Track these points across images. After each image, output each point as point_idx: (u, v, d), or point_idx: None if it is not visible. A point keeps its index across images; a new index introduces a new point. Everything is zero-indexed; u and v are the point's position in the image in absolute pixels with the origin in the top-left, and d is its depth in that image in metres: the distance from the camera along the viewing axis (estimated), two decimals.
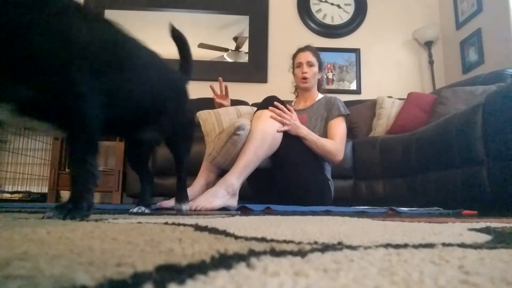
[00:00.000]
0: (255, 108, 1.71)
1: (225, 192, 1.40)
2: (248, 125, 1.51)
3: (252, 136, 1.48)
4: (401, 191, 2.00)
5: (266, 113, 1.55)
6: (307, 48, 1.89)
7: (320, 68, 1.89)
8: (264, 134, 1.50)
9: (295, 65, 1.88)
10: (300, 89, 1.91)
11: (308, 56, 1.83)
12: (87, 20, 0.74)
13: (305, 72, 1.82)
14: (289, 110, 1.60)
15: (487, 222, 0.73)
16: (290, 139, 1.57)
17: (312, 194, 1.66)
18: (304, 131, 1.63)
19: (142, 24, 3.31)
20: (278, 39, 3.39)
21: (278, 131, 1.53)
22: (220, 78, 1.84)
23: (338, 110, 1.78)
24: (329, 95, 1.93)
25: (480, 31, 2.89)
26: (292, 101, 2.00)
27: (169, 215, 0.92)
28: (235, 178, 1.44)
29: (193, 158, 2.18)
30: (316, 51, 1.91)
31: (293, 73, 1.93)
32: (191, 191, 1.51)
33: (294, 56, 1.91)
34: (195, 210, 1.28)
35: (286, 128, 1.56)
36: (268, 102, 1.60)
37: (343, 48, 3.43)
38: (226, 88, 1.84)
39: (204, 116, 1.69)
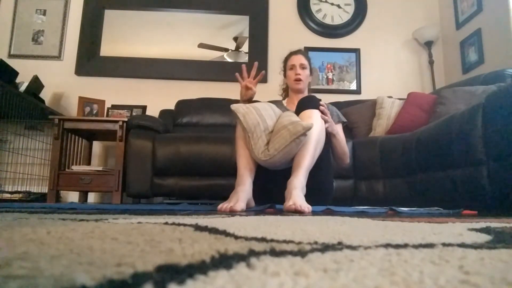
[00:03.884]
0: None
1: (302, 194, 1.38)
2: None
3: (309, 137, 1.46)
4: (401, 191, 2.00)
5: (317, 114, 1.55)
6: (299, 51, 1.90)
7: (311, 71, 1.92)
8: (319, 135, 1.51)
9: (288, 67, 1.88)
10: (292, 91, 1.91)
11: (301, 59, 1.84)
12: None
13: (299, 74, 1.83)
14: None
15: (487, 222, 0.73)
16: None
17: (325, 195, 1.71)
18: (336, 129, 1.70)
19: (142, 24, 3.31)
20: (278, 39, 3.39)
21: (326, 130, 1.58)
22: (256, 63, 1.72)
23: (338, 117, 1.83)
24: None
25: (480, 31, 2.89)
26: (280, 101, 1.99)
27: (169, 215, 0.92)
28: (304, 179, 1.43)
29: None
30: (308, 55, 1.93)
31: (285, 76, 1.94)
32: (243, 191, 1.42)
33: (286, 59, 1.92)
34: (299, 210, 1.23)
35: (327, 125, 1.60)
36: (314, 102, 1.60)
37: (343, 48, 3.43)
38: (261, 75, 1.71)
39: (242, 110, 1.53)
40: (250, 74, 1.71)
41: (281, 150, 1.43)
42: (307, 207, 1.26)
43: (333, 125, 1.67)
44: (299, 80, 1.83)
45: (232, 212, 1.23)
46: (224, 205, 1.34)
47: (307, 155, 1.44)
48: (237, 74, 1.73)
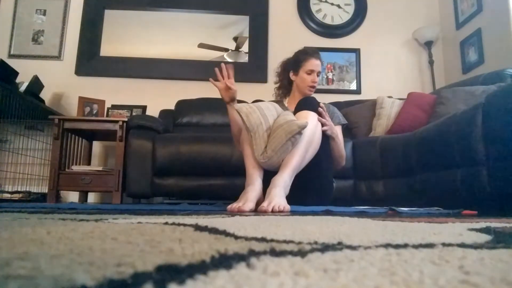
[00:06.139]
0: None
1: (283, 193, 1.37)
2: None
3: (301, 137, 1.45)
4: (401, 191, 2.00)
5: (312, 115, 1.54)
6: (318, 55, 1.80)
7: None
8: (311, 136, 1.50)
9: (306, 70, 1.76)
10: (299, 92, 1.82)
11: (319, 66, 1.78)
12: None
13: (316, 82, 1.78)
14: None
15: (487, 222, 0.73)
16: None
17: (325, 195, 1.71)
18: (336, 132, 1.69)
19: (142, 24, 3.31)
20: (278, 39, 3.39)
21: (323, 131, 1.57)
22: (222, 64, 1.68)
23: (338, 119, 1.82)
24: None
25: (480, 31, 2.89)
26: (281, 100, 1.97)
27: (169, 215, 0.92)
28: (289, 179, 1.42)
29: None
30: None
31: (296, 74, 1.80)
32: (253, 191, 1.41)
33: (303, 59, 1.78)
34: (275, 211, 1.23)
35: (325, 128, 1.59)
36: (312, 103, 1.59)
37: (343, 48, 3.43)
38: (232, 69, 1.67)
39: (245, 110, 1.52)
40: (225, 75, 1.64)
41: (278, 150, 1.43)
42: (284, 207, 1.26)
43: (333, 128, 1.66)
44: (314, 87, 1.79)
45: (240, 212, 1.22)
46: (233, 205, 1.34)
47: (296, 155, 1.44)
48: (216, 69, 1.65)
